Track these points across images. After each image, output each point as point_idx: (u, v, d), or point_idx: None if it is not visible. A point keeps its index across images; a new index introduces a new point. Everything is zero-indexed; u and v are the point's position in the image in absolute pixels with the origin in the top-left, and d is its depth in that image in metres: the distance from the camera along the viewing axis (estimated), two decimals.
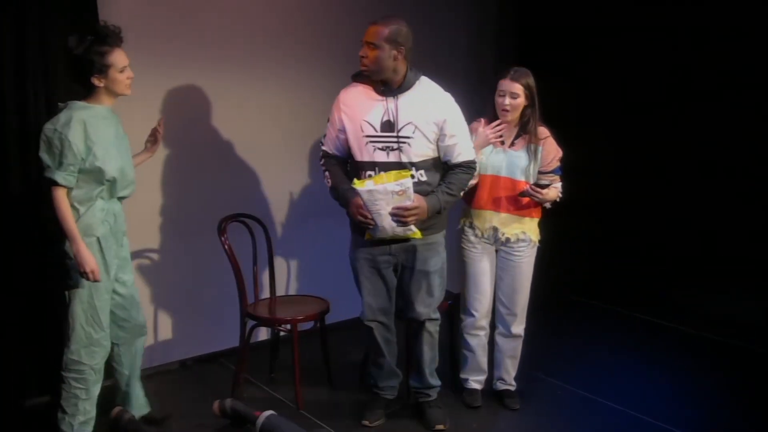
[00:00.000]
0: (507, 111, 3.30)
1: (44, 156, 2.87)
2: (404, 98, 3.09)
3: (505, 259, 3.48)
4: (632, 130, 5.00)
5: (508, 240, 3.42)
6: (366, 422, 3.43)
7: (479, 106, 5.33)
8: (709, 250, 4.70)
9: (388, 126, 3.08)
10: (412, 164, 3.09)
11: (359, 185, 3.04)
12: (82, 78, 2.91)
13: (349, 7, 4.37)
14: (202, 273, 4.02)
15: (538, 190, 3.28)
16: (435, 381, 3.50)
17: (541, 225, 3.50)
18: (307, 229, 4.40)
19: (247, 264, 3.73)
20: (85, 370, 3.04)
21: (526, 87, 3.29)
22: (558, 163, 3.40)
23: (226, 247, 3.61)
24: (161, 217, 3.90)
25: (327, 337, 3.83)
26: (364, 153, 3.13)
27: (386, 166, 3.08)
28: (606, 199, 5.05)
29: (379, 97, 3.11)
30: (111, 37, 2.88)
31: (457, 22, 5.07)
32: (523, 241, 3.43)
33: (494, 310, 3.61)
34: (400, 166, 3.08)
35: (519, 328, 3.56)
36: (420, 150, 3.09)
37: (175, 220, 3.94)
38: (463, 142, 3.15)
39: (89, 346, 3.03)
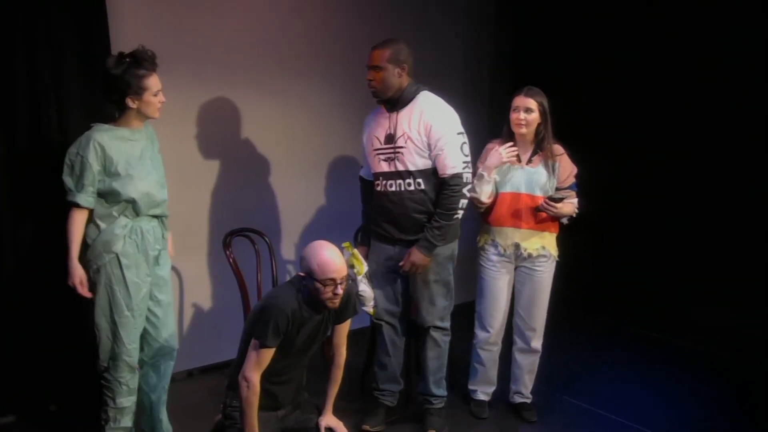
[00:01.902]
0: (522, 125, 3.37)
1: (67, 179, 2.96)
2: (403, 112, 3.28)
3: (525, 274, 3.52)
4: (630, 146, 4.96)
5: (530, 255, 3.47)
6: (366, 427, 3.52)
7: (475, 121, 5.42)
8: (718, 265, 4.63)
9: (389, 138, 3.28)
10: (409, 173, 3.27)
11: (347, 247, 3.35)
12: (116, 98, 2.97)
13: (355, 28, 4.47)
14: (207, 285, 4.11)
15: (553, 204, 3.35)
16: (439, 390, 3.56)
17: (559, 240, 3.55)
18: (308, 242, 4.46)
19: (251, 277, 3.82)
20: (112, 381, 3.09)
21: (540, 103, 3.36)
22: (574, 180, 3.48)
23: (230, 260, 3.71)
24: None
25: (329, 347, 3.91)
26: (374, 165, 3.37)
27: (388, 176, 3.31)
28: (620, 215, 5.00)
29: (387, 114, 3.33)
30: (148, 61, 2.95)
31: (456, 40, 5.17)
32: (544, 256, 3.48)
33: (510, 326, 3.64)
34: (398, 174, 3.28)
35: (538, 342, 3.60)
36: (413, 159, 3.26)
37: (181, 233, 4.00)
38: (451, 155, 3.23)
39: (114, 359, 3.07)
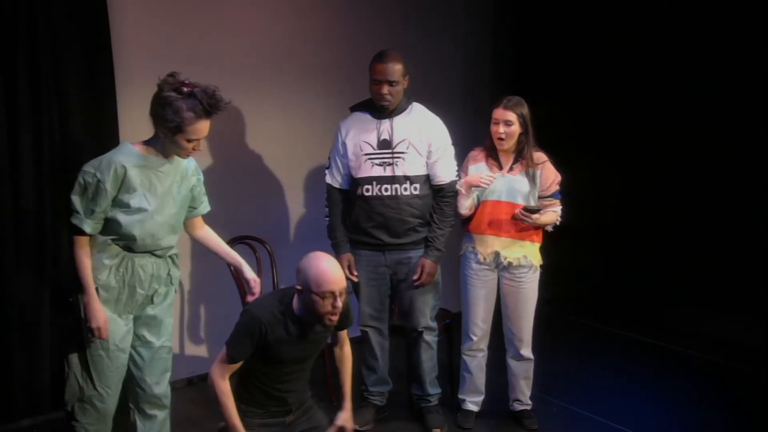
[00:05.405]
0: (503, 139, 3.39)
1: (75, 199, 2.61)
2: (399, 119, 3.37)
3: (508, 286, 3.53)
4: (629, 154, 4.99)
5: (510, 264, 3.47)
6: (356, 426, 3.55)
7: (479, 132, 5.41)
8: (715, 272, 4.65)
9: (385, 144, 3.35)
10: (407, 178, 3.35)
11: None
12: (153, 118, 2.63)
13: (352, 37, 4.50)
14: (208, 293, 4.12)
15: (527, 214, 3.35)
16: (434, 389, 3.68)
17: (543, 250, 3.55)
18: (309, 250, 4.47)
19: None
20: (77, 427, 2.74)
21: (519, 115, 3.37)
22: (557, 187, 3.48)
23: (231, 267, 3.70)
24: None
25: (331, 355, 3.92)
26: (362, 169, 3.40)
27: (382, 180, 3.36)
28: (613, 221, 5.01)
29: (375, 120, 3.39)
30: (202, 107, 2.57)
31: (455, 50, 5.19)
32: (524, 266, 3.48)
33: (501, 333, 3.66)
34: (395, 179, 3.35)
35: (527, 350, 3.62)
36: (413, 164, 3.36)
37: (182, 240, 3.98)
38: (445, 163, 3.42)
39: (81, 402, 2.72)
